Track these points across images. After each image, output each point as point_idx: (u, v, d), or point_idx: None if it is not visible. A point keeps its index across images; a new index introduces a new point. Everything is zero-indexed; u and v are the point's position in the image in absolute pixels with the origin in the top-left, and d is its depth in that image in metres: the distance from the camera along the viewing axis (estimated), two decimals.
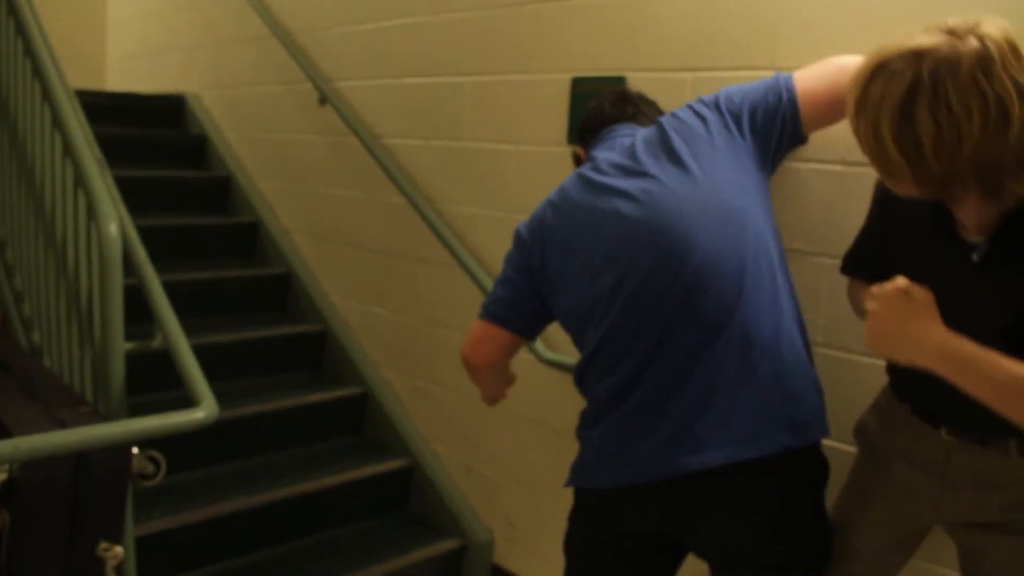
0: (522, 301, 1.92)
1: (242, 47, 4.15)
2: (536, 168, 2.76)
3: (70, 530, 1.86)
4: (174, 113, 4.49)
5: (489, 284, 2.75)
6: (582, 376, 1.85)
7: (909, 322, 1.34)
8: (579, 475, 1.88)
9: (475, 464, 3.13)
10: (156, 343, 2.17)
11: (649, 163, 1.76)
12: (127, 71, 5.34)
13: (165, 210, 3.87)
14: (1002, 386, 1.27)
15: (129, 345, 2.11)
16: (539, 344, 2.67)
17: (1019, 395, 1.27)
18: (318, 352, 3.56)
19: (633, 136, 1.88)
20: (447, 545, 3.05)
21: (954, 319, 1.34)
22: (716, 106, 1.83)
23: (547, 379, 2.77)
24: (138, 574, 2.19)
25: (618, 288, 1.71)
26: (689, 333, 1.66)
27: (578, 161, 2.09)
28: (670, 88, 2.37)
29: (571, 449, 2.73)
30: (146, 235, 2.48)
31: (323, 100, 3.46)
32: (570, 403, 2.71)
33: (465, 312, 2.99)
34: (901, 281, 1.35)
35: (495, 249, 2.86)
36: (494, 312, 1.95)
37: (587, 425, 1.85)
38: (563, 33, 2.64)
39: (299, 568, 2.78)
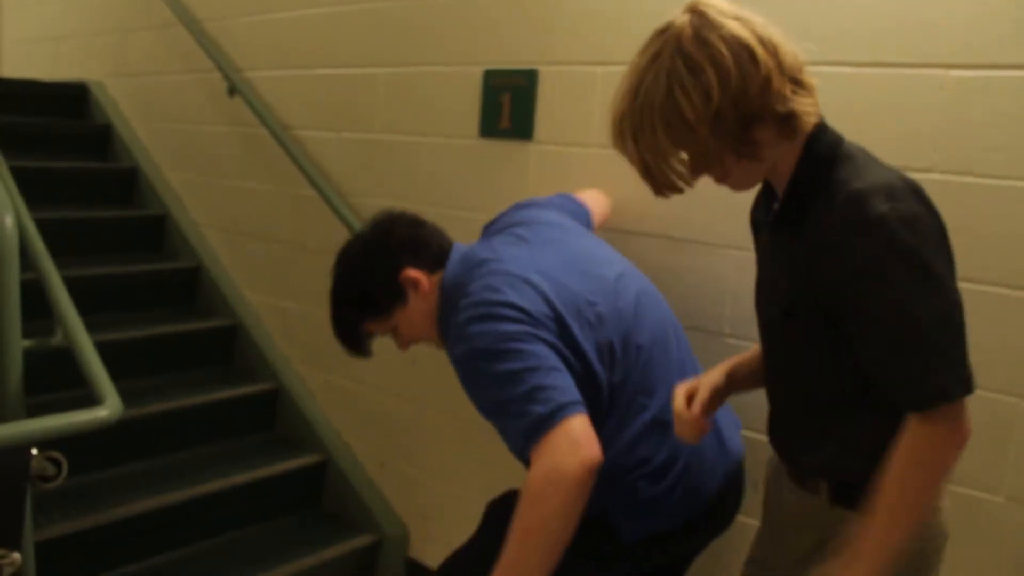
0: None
1: (148, 34, 4.04)
2: (448, 160, 2.75)
3: None
4: (76, 101, 4.35)
5: None
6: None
7: None
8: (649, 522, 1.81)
9: (389, 458, 3.12)
10: (57, 340, 2.10)
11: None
12: (25, 57, 5.15)
13: (67, 202, 3.75)
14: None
15: (27, 342, 2.04)
16: None
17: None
18: (228, 347, 3.50)
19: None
20: (361, 541, 3.04)
21: (762, 291, 1.44)
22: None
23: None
24: None
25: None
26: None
27: (414, 285, 1.89)
28: (582, 81, 2.39)
29: (483, 439, 2.75)
30: (47, 228, 2.41)
31: (232, 90, 3.39)
32: None
33: None
34: None
35: None
36: (579, 400, 1.60)
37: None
38: (475, 26, 2.64)
39: (209, 569, 2.74)
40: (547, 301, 1.70)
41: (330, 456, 3.20)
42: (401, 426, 3.04)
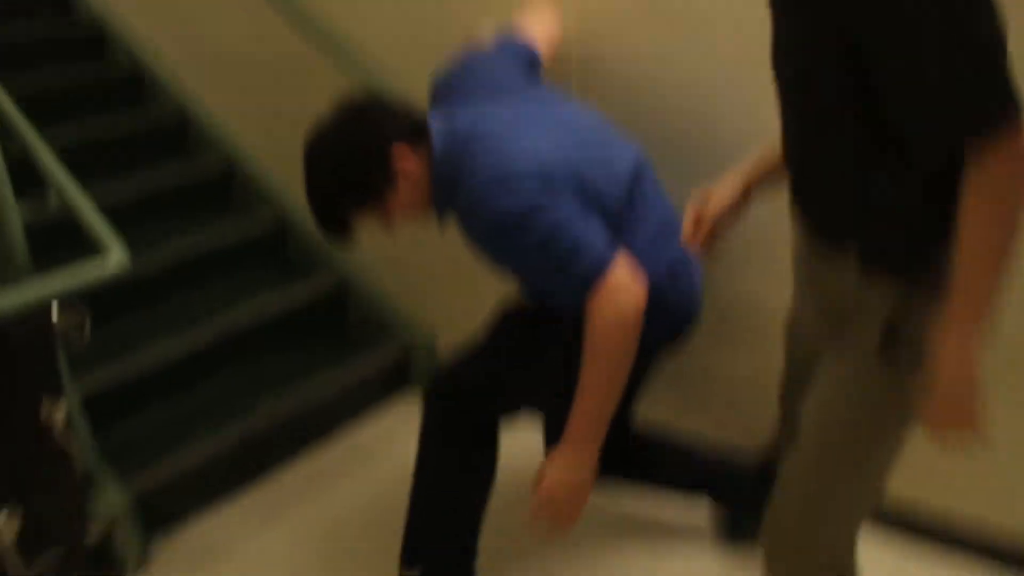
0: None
1: None
2: None
3: (7, 395, 1.88)
4: None
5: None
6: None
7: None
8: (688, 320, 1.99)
9: (409, 269, 3.15)
10: (52, 202, 2.13)
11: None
12: None
13: (37, 64, 3.68)
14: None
15: (25, 208, 2.08)
16: None
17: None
18: (227, 188, 3.52)
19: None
20: (392, 353, 3.13)
21: (777, 49, 1.32)
22: None
23: None
24: (90, 428, 2.25)
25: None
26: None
27: (405, 165, 1.83)
28: None
29: None
30: (20, 93, 2.38)
31: None
32: None
33: None
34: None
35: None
36: (614, 242, 1.77)
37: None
38: None
39: (248, 397, 2.84)
40: (552, 163, 1.75)
41: (347, 276, 3.26)
42: (412, 231, 3.05)
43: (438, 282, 3.08)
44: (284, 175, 3.41)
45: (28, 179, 2.31)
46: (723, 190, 1.65)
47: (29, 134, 2.18)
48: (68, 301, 2.02)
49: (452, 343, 3.12)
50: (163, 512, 2.51)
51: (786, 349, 1.71)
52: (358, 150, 1.80)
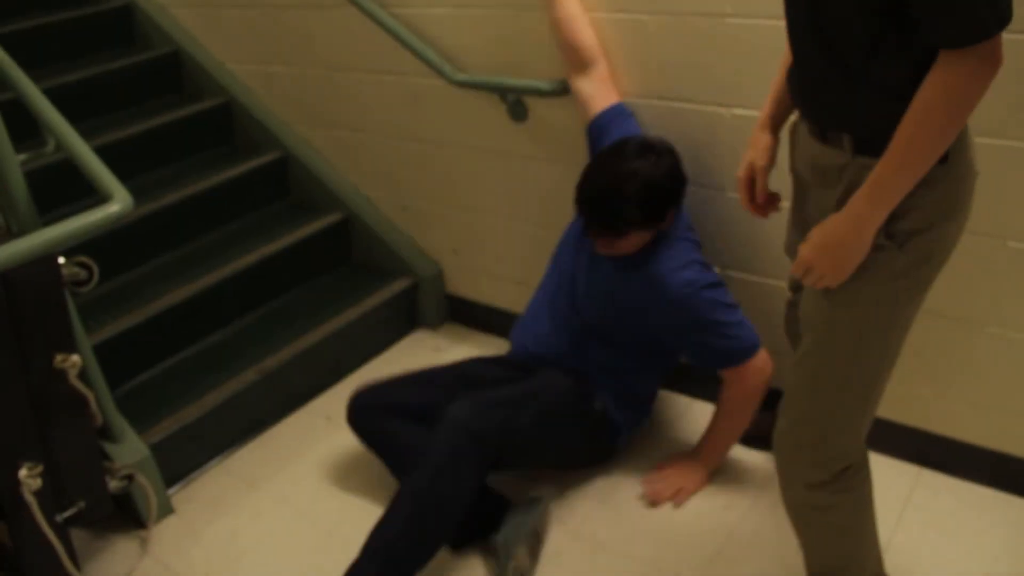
0: None
1: None
2: None
3: (20, 349, 1.86)
4: None
5: (386, 17, 2.66)
6: None
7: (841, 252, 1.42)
8: None
9: (409, 201, 3.14)
10: (50, 149, 2.07)
11: None
12: None
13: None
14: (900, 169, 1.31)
15: (23, 156, 2.02)
16: (446, 66, 2.60)
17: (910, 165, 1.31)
18: (227, 125, 3.44)
19: None
20: (398, 285, 3.11)
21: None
22: None
23: (460, 101, 2.72)
24: (106, 377, 2.22)
25: None
26: None
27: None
28: None
29: (496, 165, 2.74)
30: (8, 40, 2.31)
31: None
32: (489, 122, 2.69)
33: (366, 52, 2.88)
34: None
35: None
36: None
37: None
38: None
39: (260, 337, 2.84)
40: None
41: (351, 211, 3.22)
42: (414, 166, 3.03)
43: (441, 216, 3.05)
44: (283, 113, 3.34)
45: (21, 125, 2.25)
46: (757, 150, 1.73)
47: (23, 81, 2.11)
48: (76, 253, 1.98)
49: (456, 276, 3.11)
50: (182, 460, 2.50)
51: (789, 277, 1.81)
52: (676, 187, 2.13)
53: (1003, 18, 1.19)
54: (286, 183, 3.36)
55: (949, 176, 1.37)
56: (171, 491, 2.45)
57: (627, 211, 2.06)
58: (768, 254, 2.30)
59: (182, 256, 3.00)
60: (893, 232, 1.39)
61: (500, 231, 2.89)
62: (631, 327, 2.26)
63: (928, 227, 1.40)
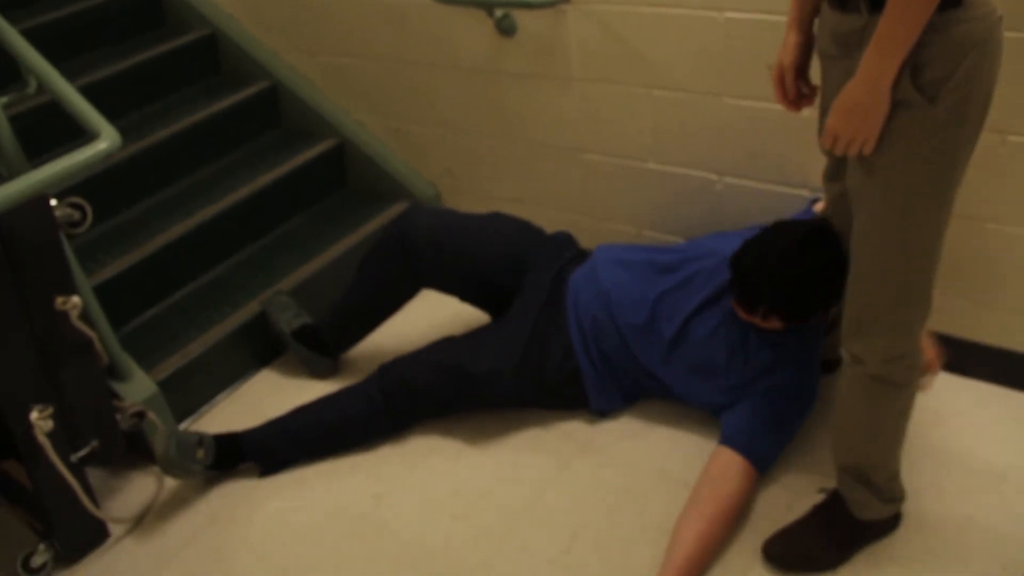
0: None
1: None
2: None
3: (20, 293, 1.85)
4: None
5: None
6: None
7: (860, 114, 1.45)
8: None
9: (402, 124, 3.09)
10: (32, 89, 2.03)
11: None
12: None
13: None
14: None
15: (4, 99, 1.98)
16: None
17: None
18: (213, 57, 3.37)
19: None
20: (395, 209, 3.10)
21: None
22: None
23: (446, 19, 2.66)
24: (109, 318, 2.22)
25: None
26: None
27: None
28: None
29: (486, 84, 2.70)
30: None
31: None
32: (477, 40, 2.64)
33: None
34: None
35: None
36: None
37: None
38: None
39: (264, 267, 2.84)
40: None
41: (344, 137, 3.18)
42: (404, 89, 2.98)
43: (435, 137, 3.02)
44: (270, 42, 3.28)
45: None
46: (786, 48, 1.75)
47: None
48: (70, 195, 1.96)
49: (453, 197, 3.09)
50: (192, 394, 2.52)
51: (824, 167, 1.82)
52: (832, 295, 1.96)
53: None
54: (277, 112, 3.31)
55: (967, 18, 1.35)
56: (182, 426, 2.47)
57: (775, 301, 1.97)
58: None
59: (177, 192, 2.96)
60: (921, 84, 1.39)
61: (493, 150, 2.86)
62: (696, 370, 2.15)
63: (953, 72, 1.38)
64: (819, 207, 2.14)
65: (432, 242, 2.35)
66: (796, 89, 1.77)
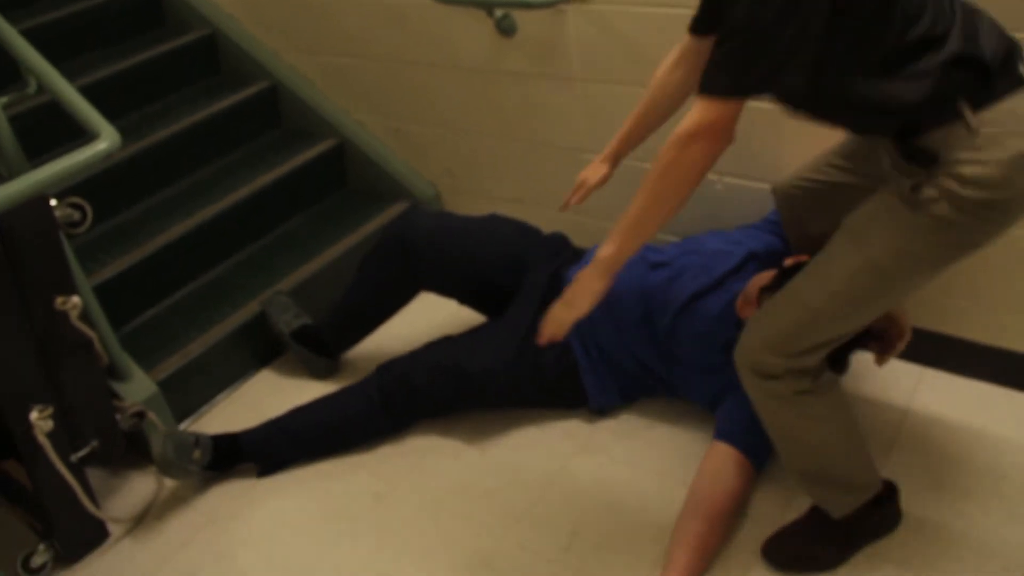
0: None
1: None
2: None
3: (20, 293, 1.85)
4: None
5: None
6: None
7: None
8: None
9: (402, 124, 3.09)
10: (32, 89, 2.03)
11: None
12: None
13: None
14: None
15: (4, 99, 1.98)
16: None
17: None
18: (212, 58, 3.37)
19: None
20: (395, 209, 3.10)
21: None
22: None
23: (447, 19, 2.66)
24: (109, 318, 2.22)
25: None
26: None
27: None
28: None
29: (485, 84, 2.70)
30: None
31: None
32: (477, 40, 2.63)
33: None
34: None
35: None
36: None
37: None
38: None
39: (264, 267, 2.84)
40: None
41: (344, 137, 3.18)
42: (404, 89, 2.98)
43: (435, 137, 3.02)
44: (270, 42, 3.28)
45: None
46: (599, 170, 2.09)
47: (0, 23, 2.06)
48: (69, 195, 1.96)
49: (453, 197, 3.10)
50: (191, 394, 2.52)
51: None
52: None
53: (739, 85, 1.37)
54: (277, 112, 3.30)
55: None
56: (182, 426, 2.47)
57: None
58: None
59: (177, 192, 2.96)
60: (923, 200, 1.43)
61: (493, 150, 2.86)
62: (688, 352, 2.14)
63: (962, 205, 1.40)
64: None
65: (432, 244, 2.35)
66: (582, 199, 2.11)
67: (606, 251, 1.61)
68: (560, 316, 1.73)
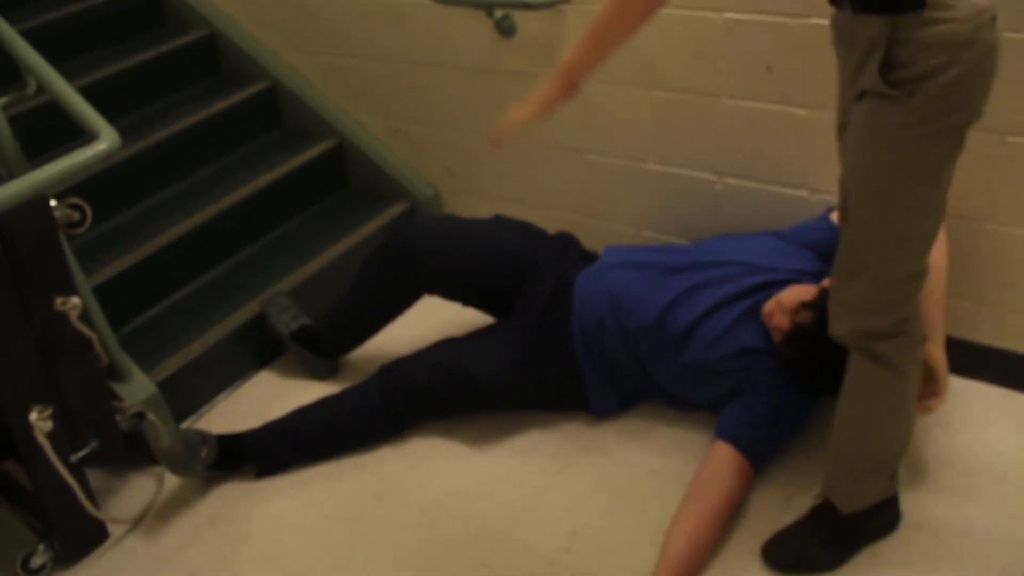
0: None
1: None
2: None
3: (20, 293, 1.85)
4: None
5: None
6: None
7: None
8: None
9: (401, 124, 3.09)
10: (31, 90, 2.03)
11: None
12: None
13: None
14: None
15: (4, 99, 1.98)
16: None
17: None
18: (212, 58, 3.37)
19: None
20: (395, 210, 3.10)
21: None
22: None
23: (447, 20, 2.66)
24: (108, 318, 2.22)
25: None
26: None
27: None
28: None
29: (486, 84, 2.70)
30: None
31: None
32: (477, 40, 2.64)
33: None
34: None
35: None
36: None
37: None
38: None
39: (262, 268, 2.84)
40: None
41: (344, 137, 3.18)
42: (404, 88, 2.99)
43: (435, 137, 3.02)
44: (270, 42, 3.27)
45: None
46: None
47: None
48: (67, 194, 1.96)
49: (453, 198, 3.10)
50: (191, 395, 2.52)
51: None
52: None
53: None
54: (277, 112, 3.30)
55: (945, 18, 1.35)
56: (182, 426, 2.45)
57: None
58: None
59: (177, 192, 2.96)
60: (893, 81, 1.40)
61: (493, 151, 2.86)
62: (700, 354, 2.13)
63: (931, 70, 1.38)
64: (836, 216, 2.12)
65: (434, 249, 2.35)
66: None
67: (567, 53, 1.65)
68: (513, 114, 1.71)
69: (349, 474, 2.25)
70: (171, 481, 2.29)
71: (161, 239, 2.69)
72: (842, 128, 1.64)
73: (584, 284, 2.26)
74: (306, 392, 2.49)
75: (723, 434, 2.01)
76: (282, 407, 2.35)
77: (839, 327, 1.66)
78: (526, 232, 2.44)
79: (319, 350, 2.57)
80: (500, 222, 2.44)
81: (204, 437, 2.20)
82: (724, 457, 1.96)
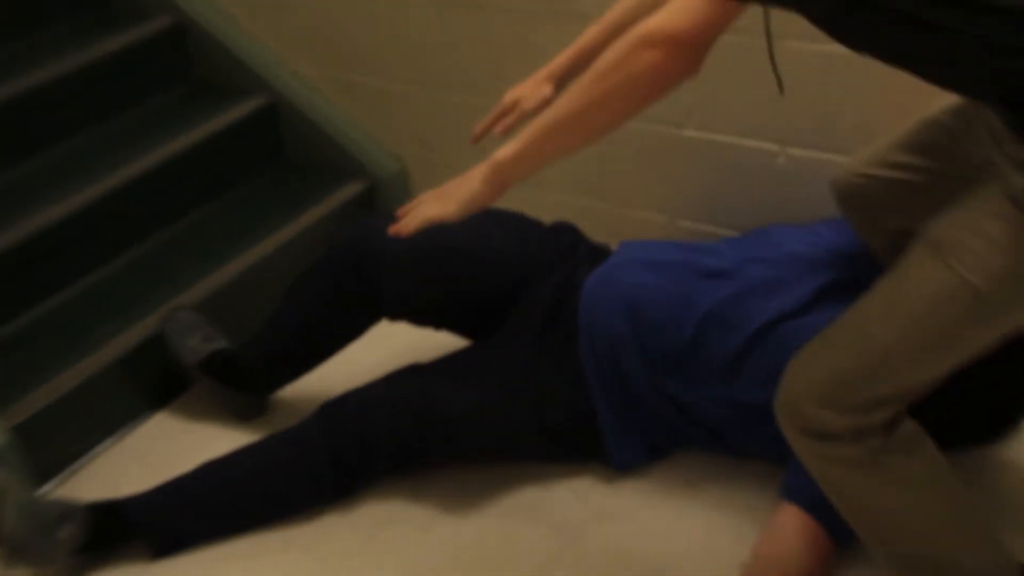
0: None
1: None
2: None
3: None
4: None
5: None
6: None
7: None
8: None
9: (356, 76, 3.09)
10: None
11: None
12: None
13: None
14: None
15: None
16: None
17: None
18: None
19: None
20: (348, 191, 3.12)
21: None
22: None
23: None
24: None
25: None
26: None
27: None
28: None
29: (471, 23, 2.66)
30: None
31: None
32: None
33: None
34: None
35: None
36: None
37: None
38: None
39: (162, 270, 2.82)
40: None
41: (277, 92, 3.18)
42: (364, 28, 2.98)
43: (402, 94, 3.04)
44: None
45: None
46: (539, 90, 2.16)
47: None
48: None
49: (426, 175, 3.11)
50: (62, 444, 2.47)
51: None
52: None
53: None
54: (187, 57, 3.29)
55: None
56: (46, 488, 2.41)
57: None
58: None
59: (46, 165, 2.93)
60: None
61: (479, 112, 2.80)
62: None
63: None
64: None
65: (399, 262, 2.29)
66: (509, 127, 2.17)
67: (505, 151, 1.72)
68: (425, 207, 1.83)
69: (277, 553, 2.20)
70: (23, 571, 2.20)
71: (24, 227, 2.64)
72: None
73: (593, 290, 2.23)
74: (219, 440, 2.43)
75: (789, 492, 1.97)
76: (187, 461, 2.29)
77: (783, 402, 1.70)
78: (519, 229, 2.41)
79: (239, 383, 2.51)
80: (484, 219, 2.36)
81: (66, 511, 2.12)
82: (789, 522, 1.93)
